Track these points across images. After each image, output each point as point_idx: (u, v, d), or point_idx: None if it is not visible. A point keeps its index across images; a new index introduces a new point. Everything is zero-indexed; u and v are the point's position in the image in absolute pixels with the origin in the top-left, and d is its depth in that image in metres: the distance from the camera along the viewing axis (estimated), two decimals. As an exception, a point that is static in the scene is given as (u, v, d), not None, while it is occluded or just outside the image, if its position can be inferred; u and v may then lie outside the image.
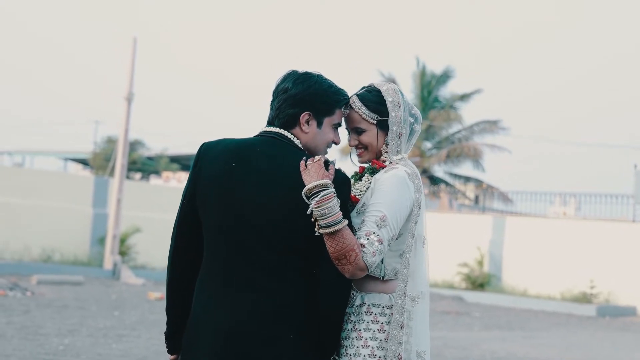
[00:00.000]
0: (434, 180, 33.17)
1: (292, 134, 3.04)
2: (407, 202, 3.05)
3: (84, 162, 45.77)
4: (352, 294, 3.07)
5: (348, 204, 3.02)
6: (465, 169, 32.66)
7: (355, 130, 3.22)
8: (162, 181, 40.60)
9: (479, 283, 23.17)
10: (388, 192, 3.03)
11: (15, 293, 14.85)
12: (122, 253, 22.20)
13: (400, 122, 3.19)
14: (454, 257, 23.83)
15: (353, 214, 3.08)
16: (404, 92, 3.29)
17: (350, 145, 3.27)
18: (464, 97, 33.25)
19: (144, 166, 43.03)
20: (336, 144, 3.14)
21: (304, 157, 2.94)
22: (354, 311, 3.06)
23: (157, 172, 43.42)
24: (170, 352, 3.21)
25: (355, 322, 3.05)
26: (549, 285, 22.20)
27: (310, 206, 2.83)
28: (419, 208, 3.12)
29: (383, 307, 3.05)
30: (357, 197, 3.14)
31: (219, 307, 2.91)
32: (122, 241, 22.37)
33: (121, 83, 21.82)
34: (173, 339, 3.18)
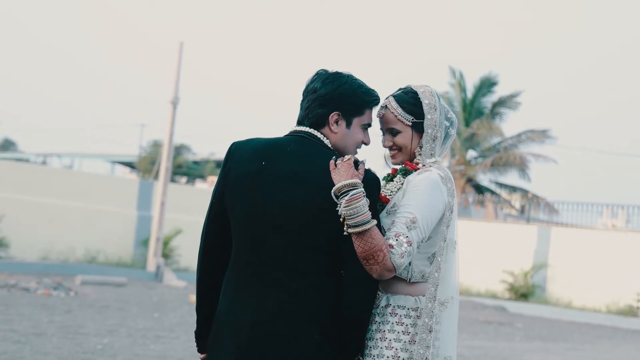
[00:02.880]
0: (479, 189, 32.91)
1: (321, 133, 3.02)
2: (439, 205, 3.02)
3: (130, 165, 46.30)
4: (378, 294, 3.05)
5: (377, 203, 2.99)
6: (511, 178, 32.35)
7: (389, 131, 3.20)
8: (207, 185, 40.90)
9: (522, 293, 22.91)
10: (420, 194, 2.99)
11: (59, 293, 15.04)
12: (165, 255, 22.37)
13: (435, 125, 3.16)
14: (498, 266, 23.61)
15: (383, 214, 3.06)
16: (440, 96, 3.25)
17: (384, 146, 3.25)
18: (503, 102, 32.72)
19: (189, 170, 43.41)
20: (366, 144, 3.12)
21: (334, 157, 2.92)
22: (378, 312, 3.03)
23: (202, 177, 43.76)
24: (200, 351, 3.21)
25: (379, 323, 3.02)
26: (595, 298, 21.87)
27: (339, 205, 2.81)
28: (451, 212, 3.09)
29: (408, 309, 3.01)
30: (388, 197, 3.11)
31: (243, 306, 2.90)
32: (165, 244, 22.55)
33: (169, 87, 22.03)
34: (203, 338, 3.17)
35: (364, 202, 2.82)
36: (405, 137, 3.17)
